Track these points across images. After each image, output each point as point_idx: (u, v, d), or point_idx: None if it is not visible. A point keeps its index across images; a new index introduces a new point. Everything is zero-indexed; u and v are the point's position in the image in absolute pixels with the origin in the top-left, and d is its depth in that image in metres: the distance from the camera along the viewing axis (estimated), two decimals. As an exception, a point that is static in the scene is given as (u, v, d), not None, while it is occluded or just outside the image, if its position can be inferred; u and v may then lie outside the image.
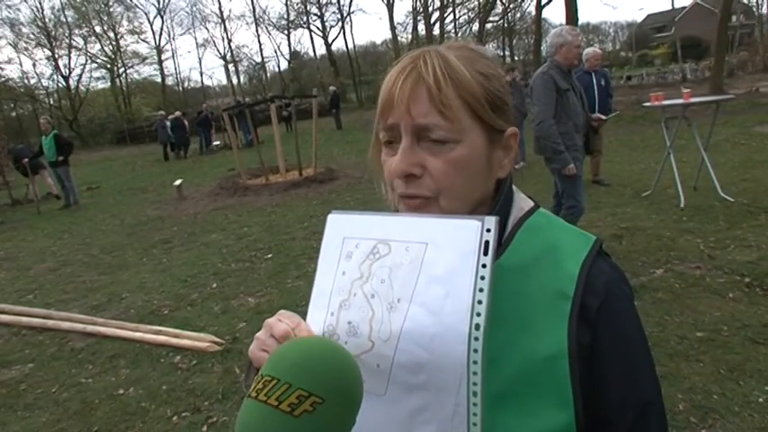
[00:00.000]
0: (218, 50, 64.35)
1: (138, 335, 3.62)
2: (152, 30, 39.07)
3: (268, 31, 53.66)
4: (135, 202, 9.79)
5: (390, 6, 32.81)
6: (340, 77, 34.56)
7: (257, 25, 39.56)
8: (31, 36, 33.28)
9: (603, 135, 6.68)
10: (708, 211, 4.80)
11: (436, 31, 32.02)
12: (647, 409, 0.61)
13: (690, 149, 6.56)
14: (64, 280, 5.39)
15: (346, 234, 0.61)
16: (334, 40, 46.93)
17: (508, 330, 0.57)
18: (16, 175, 11.60)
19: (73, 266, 5.86)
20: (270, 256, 5.21)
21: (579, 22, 18.29)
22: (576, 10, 15.99)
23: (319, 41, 55.36)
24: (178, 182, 9.75)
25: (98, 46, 35.44)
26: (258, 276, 4.63)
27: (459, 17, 35.76)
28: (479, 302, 0.50)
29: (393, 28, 33.60)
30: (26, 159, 10.42)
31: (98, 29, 35.03)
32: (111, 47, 35.87)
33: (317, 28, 37.67)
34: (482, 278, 0.51)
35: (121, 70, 36.51)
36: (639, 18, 57.64)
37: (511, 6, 35.64)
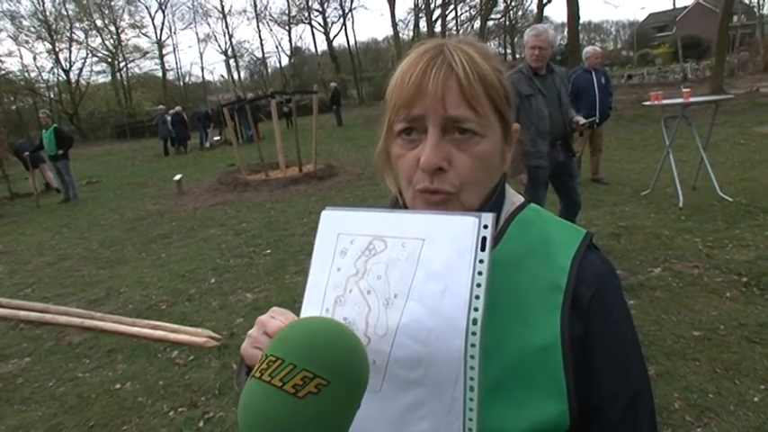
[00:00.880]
0: (219, 45, 64.28)
1: (135, 330, 3.63)
2: (153, 24, 39.06)
3: (269, 27, 53.57)
4: (134, 197, 9.79)
5: (392, 3, 32.66)
6: (341, 74, 34.51)
7: (258, 21, 39.48)
8: (32, 29, 33.28)
9: (603, 134, 6.68)
10: (706, 211, 4.80)
11: (438, 28, 31.97)
12: (637, 398, 0.62)
13: (689, 149, 6.56)
14: (62, 274, 5.39)
15: (341, 230, 0.61)
16: (335, 37, 46.89)
17: (501, 322, 0.58)
18: (15, 168, 11.60)
19: (71, 261, 5.86)
20: (268, 251, 5.21)
21: (581, 21, 18.23)
22: (578, 8, 15.98)
23: (321, 37, 55.36)
24: (178, 177, 9.74)
25: (99, 40, 35.45)
26: (256, 272, 4.63)
27: (461, 14, 35.73)
28: (477, 297, 0.51)
29: (395, 25, 33.48)
30: (26, 153, 10.42)
31: (99, 22, 35.02)
32: (112, 41, 35.88)
33: (319, 24, 37.64)
34: (479, 273, 0.52)
35: (122, 64, 36.50)
36: (641, 17, 57.66)
37: (513, 4, 35.62)
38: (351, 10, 42.27)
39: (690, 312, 3.03)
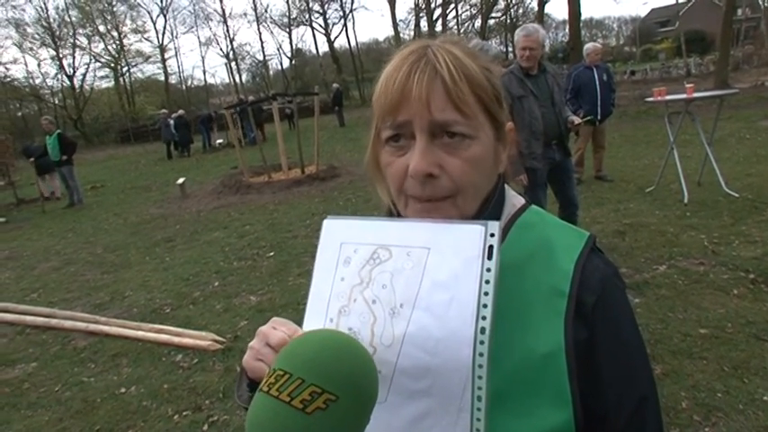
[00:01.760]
0: (220, 49, 64.44)
1: (140, 333, 3.63)
2: (155, 28, 39.26)
3: (270, 29, 53.66)
4: (138, 201, 9.83)
5: (392, 3, 32.67)
6: (343, 75, 34.55)
7: (259, 23, 39.57)
8: (36, 36, 33.52)
9: (606, 131, 6.64)
10: (712, 207, 4.76)
11: (438, 27, 31.97)
12: (643, 404, 0.60)
13: (694, 144, 6.51)
14: (68, 279, 5.41)
15: (343, 239, 0.60)
16: (336, 38, 46.94)
17: (504, 329, 0.56)
18: (21, 174, 11.69)
19: (76, 265, 5.89)
20: (272, 254, 5.21)
21: (582, 17, 18.16)
22: (579, 5, 15.91)
23: (322, 39, 55.37)
24: (181, 180, 9.77)
25: (102, 45, 35.68)
26: (260, 274, 4.64)
27: (462, 13, 35.70)
28: (484, 306, 0.51)
29: (395, 25, 33.53)
30: (32, 159, 10.48)
31: (102, 28, 35.24)
32: (114, 46, 36.08)
33: (320, 25, 37.66)
34: (487, 282, 0.51)
35: (125, 69, 36.71)
36: (643, 12, 57.32)
37: (513, 2, 35.50)
38: (351, 11, 42.38)
39: (696, 310, 3.00)
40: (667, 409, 2.20)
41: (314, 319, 0.59)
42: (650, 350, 2.55)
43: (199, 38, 59.02)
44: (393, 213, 0.68)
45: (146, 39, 37.85)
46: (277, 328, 0.56)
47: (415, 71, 0.57)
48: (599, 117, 6.08)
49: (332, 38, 37.81)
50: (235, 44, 46.84)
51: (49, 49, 33.70)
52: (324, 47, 42.64)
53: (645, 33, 45.33)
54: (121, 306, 4.38)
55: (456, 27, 34.37)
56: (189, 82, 43.68)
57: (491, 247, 0.52)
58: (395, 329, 0.53)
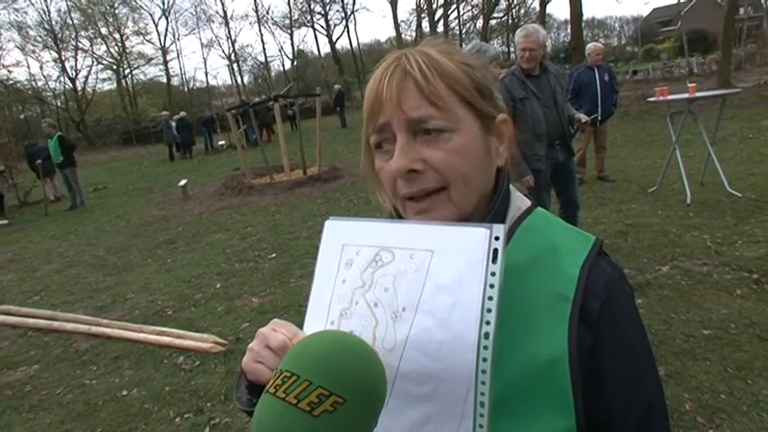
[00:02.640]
0: (222, 50, 64.55)
1: (141, 336, 3.63)
2: (157, 31, 39.40)
3: (272, 31, 53.75)
4: (140, 203, 9.84)
5: (394, 4, 32.72)
6: (344, 76, 34.57)
7: (261, 25, 39.63)
8: (38, 39, 33.68)
9: (607, 131, 6.62)
10: (715, 207, 4.74)
11: (440, 28, 31.95)
12: (649, 411, 0.59)
13: (696, 144, 6.49)
14: (70, 281, 5.42)
15: (345, 241, 0.60)
16: (338, 39, 46.89)
17: (506, 334, 0.55)
18: (24, 176, 11.72)
19: (78, 267, 5.90)
20: (274, 255, 5.21)
21: (584, 18, 18.12)
22: (581, 5, 15.88)
23: (323, 40, 55.36)
24: (183, 182, 9.79)
25: (104, 47, 35.82)
26: (262, 276, 4.63)
27: (463, 14, 35.69)
28: (488, 311, 0.50)
29: (397, 26, 33.58)
30: (39, 161, 10.50)
31: (104, 30, 35.38)
32: (116, 48, 36.19)
33: (321, 26, 37.74)
34: (491, 286, 0.50)
35: (127, 71, 36.81)
36: (645, 12, 57.19)
37: (515, 2, 35.48)
38: (353, 12, 42.44)
39: (699, 311, 2.99)
40: (671, 411, 2.18)
41: (315, 322, 0.58)
42: (653, 351, 2.54)
43: (201, 40, 59.20)
44: (395, 218, 0.68)
45: (148, 41, 38.02)
46: (277, 331, 0.56)
47: (386, 75, 0.59)
48: (599, 117, 6.06)
49: (333, 39, 37.89)
50: (236, 46, 46.98)
51: (52, 52, 33.93)
52: (325, 48, 42.71)
53: (647, 33, 45.23)
54: (123, 308, 4.38)
55: (458, 28, 34.37)
56: (191, 84, 43.84)
57: (496, 250, 0.51)
58: (397, 333, 0.53)
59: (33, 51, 33.98)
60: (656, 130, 9.43)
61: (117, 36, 35.92)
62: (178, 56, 60.81)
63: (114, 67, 36.26)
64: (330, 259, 0.60)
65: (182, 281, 4.84)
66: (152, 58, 37.51)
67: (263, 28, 49.87)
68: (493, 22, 35.18)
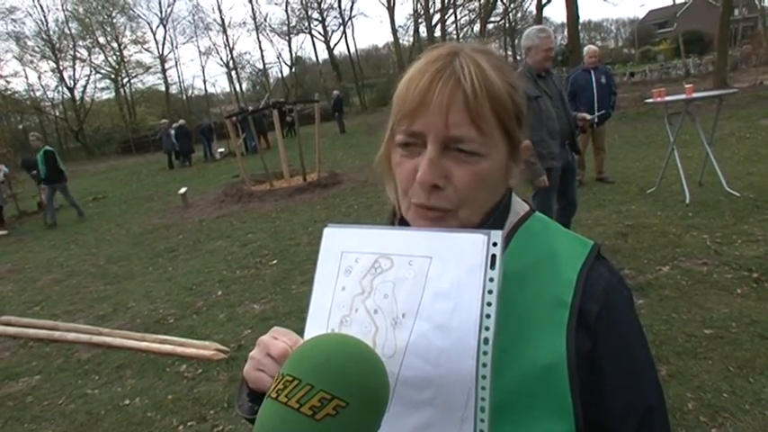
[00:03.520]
0: (220, 58, 64.75)
1: (143, 344, 3.63)
2: (155, 39, 39.15)
3: (269, 38, 53.95)
4: (140, 212, 9.84)
5: (391, 9, 32.81)
6: (343, 81, 34.65)
7: (258, 32, 39.74)
8: (36, 49, 33.69)
9: (605, 133, 6.65)
10: (714, 207, 4.75)
11: (437, 33, 32.03)
12: (649, 414, 0.60)
13: (694, 145, 6.51)
14: (70, 291, 5.41)
15: (344, 248, 0.60)
16: (336, 45, 47.05)
17: (504, 340, 0.56)
18: (23, 186, 11.72)
19: (79, 277, 5.89)
20: (275, 262, 5.21)
21: (580, 20, 18.22)
22: (577, 8, 15.96)
23: (321, 46, 55.63)
24: (183, 190, 9.79)
25: (102, 57, 35.82)
26: (263, 283, 4.63)
27: (461, 18, 35.78)
28: (488, 316, 0.50)
29: (395, 31, 33.61)
30: (34, 171, 10.45)
31: (102, 40, 35.38)
32: (114, 57, 36.20)
33: (319, 33, 37.77)
34: (490, 292, 0.51)
35: (125, 80, 36.82)
36: (641, 14, 57.48)
37: (512, 6, 35.61)
38: (350, 18, 42.45)
39: (700, 310, 2.99)
40: (673, 411, 2.19)
41: (315, 330, 0.58)
42: (655, 351, 2.54)
43: (199, 47, 59.33)
44: (395, 212, 0.67)
45: (146, 49, 37.82)
46: (278, 338, 0.56)
47: (438, 80, 0.56)
48: (596, 119, 6.08)
49: (331, 45, 37.96)
50: (235, 53, 47.17)
51: (50, 62, 33.92)
52: (323, 54, 42.80)
53: (643, 35, 45.44)
54: (125, 317, 4.38)
55: (455, 32, 34.47)
56: (189, 92, 43.83)
57: (494, 256, 0.51)
58: (397, 340, 0.53)
59: (31, 61, 34.00)
60: (653, 131, 9.46)
61: (115, 45, 35.97)
62: (176, 64, 60.76)
63: (112, 76, 36.31)
64: (329, 267, 0.60)
65: (183, 289, 4.84)
66: (150, 67, 37.57)
67: (260, 35, 49.80)
68: (490, 26, 35.30)
